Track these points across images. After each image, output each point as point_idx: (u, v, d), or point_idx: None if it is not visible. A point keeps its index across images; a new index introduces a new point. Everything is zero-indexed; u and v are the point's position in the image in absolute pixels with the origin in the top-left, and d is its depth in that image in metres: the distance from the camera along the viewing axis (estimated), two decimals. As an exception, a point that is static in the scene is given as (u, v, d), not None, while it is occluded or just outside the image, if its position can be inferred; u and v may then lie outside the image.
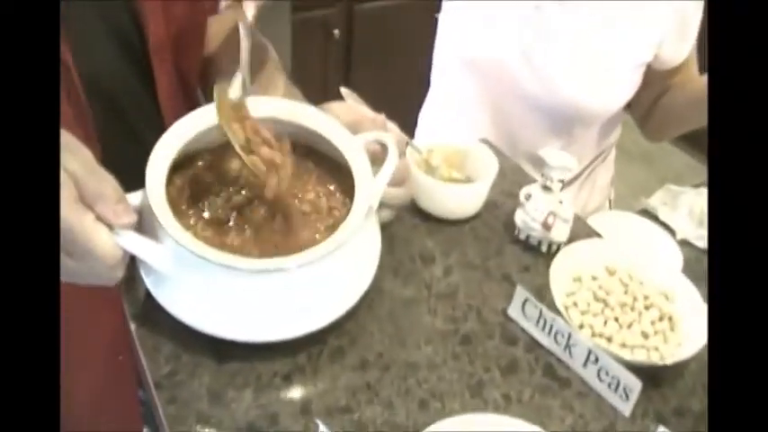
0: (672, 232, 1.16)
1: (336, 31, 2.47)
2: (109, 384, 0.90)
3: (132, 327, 0.65)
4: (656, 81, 1.09)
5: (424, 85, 1.30)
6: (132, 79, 0.80)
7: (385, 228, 0.72)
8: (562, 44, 1.02)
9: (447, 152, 0.88)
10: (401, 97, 1.39)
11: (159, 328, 0.64)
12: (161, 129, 0.80)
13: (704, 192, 1.27)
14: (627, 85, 1.06)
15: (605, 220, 1.12)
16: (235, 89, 0.69)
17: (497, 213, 0.85)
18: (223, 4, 0.69)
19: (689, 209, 1.20)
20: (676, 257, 1.06)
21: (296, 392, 0.61)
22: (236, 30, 0.72)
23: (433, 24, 1.19)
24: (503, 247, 0.80)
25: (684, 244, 1.14)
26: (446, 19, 1.14)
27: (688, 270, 1.02)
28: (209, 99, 0.93)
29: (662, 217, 1.19)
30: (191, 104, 0.87)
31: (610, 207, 1.26)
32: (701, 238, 1.14)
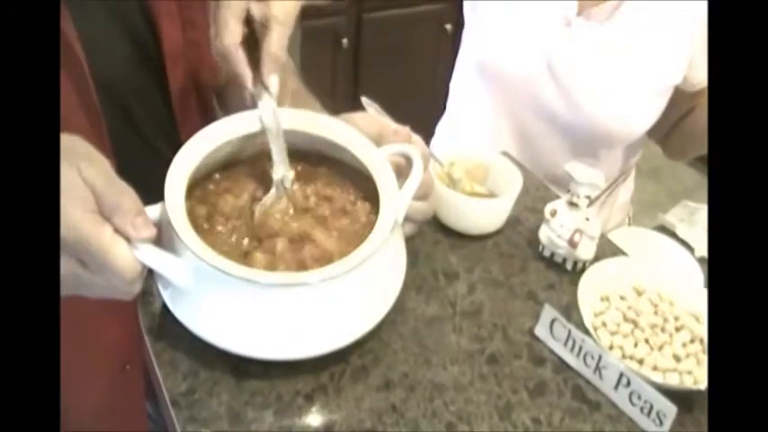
0: (690, 249, 1.14)
1: (345, 40, 2.45)
2: (115, 395, 0.88)
3: (148, 341, 0.63)
4: (682, 102, 1.06)
5: (432, 93, 1.28)
6: (146, 86, 0.78)
7: (407, 242, 0.70)
8: (589, 63, 1.00)
9: (469, 165, 0.86)
10: (410, 106, 1.37)
11: (176, 343, 0.62)
12: (175, 137, 0.79)
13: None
14: (653, 109, 1.04)
15: (624, 237, 1.10)
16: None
17: (521, 229, 0.83)
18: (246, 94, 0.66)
19: (696, 221, 1.19)
20: (696, 275, 1.04)
21: (318, 413, 0.59)
22: (252, 34, 0.69)
23: (442, 34, 1.17)
24: (527, 264, 0.78)
25: (704, 261, 1.12)
26: (470, 31, 1.12)
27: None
28: (223, 108, 0.92)
29: (680, 234, 1.17)
30: (205, 113, 0.86)
31: (629, 224, 1.24)
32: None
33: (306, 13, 2.02)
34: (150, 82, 0.77)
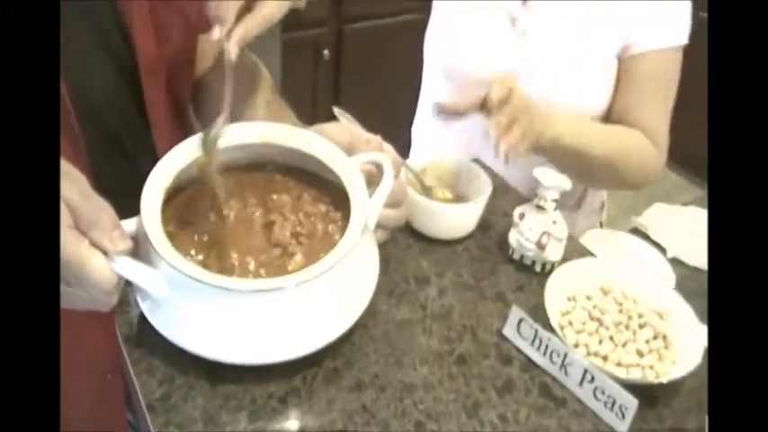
0: (662, 250, 1.17)
1: (326, 51, 2.48)
2: (98, 403, 0.89)
3: (125, 349, 0.65)
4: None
5: (414, 104, 1.31)
6: (124, 100, 0.80)
7: (379, 248, 0.72)
8: (539, 52, 1.04)
9: (440, 172, 0.89)
10: (391, 117, 1.40)
11: (152, 351, 0.64)
12: (152, 151, 0.81)
13: (694, 210, 1.28)
14: (601, 85, 1.05)
15: (597, 239, 1.12)
16: (217, 130, 0.68)
17: (490, 234, 0.86)
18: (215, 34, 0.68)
19: (679, 226, 1.21)
20: (668, 275, 1.07)
21: (292, 415, 0.61)
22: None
23: (422, 44, 1.20)
24: (497, 267, 0.81)
25: (675, 262, 1.15)
26: (431, 32, 1.16)
27: (680, 288, 1.03)
28: (201, 119, 0.94)
29: (653, 235, 1.20)
30: (183, 126, 0.88)
31: (601, 227, 1.27)
32: (691, 256, 1.15)
33: (287, 25, 2.05)
34: (127, 96, 0.79)
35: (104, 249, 0.55)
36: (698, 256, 1.16)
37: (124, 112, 0.80)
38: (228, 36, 0.66)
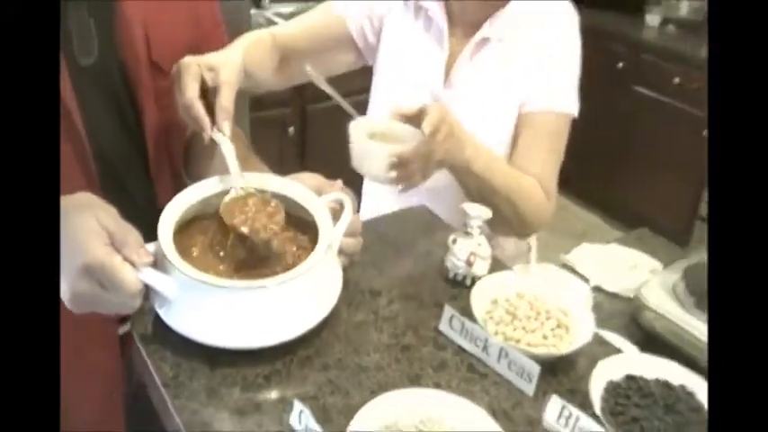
0: (586, 280, 1.39)
1: (291, 129, 2.74)
2: (103, 419, 1.06)
3: (141, 346, 0.84)
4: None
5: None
6: (130, 154, 1.01)
7: (343, 272, 0.93)
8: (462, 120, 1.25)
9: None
10: (348, 185, 1.63)
11: (163, 344, 0.84)
12: (152, 194, 1.02)
13: (614, 247, 1.52)
14: (505, 139, 1.27)
15: (527, 271, 1.35)
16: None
17: (431, 260, 1.08)
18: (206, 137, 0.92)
19: (601, 261, 1.45)
20: (588, 298, 1.29)
21: (274, 388, 0.81)
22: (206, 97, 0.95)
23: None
24: (435, 284, 1.02)
25: (597, 290, 1.38)
26: (371, 109, 1.40)
27: (599, 309, 1.27)
28: (190, 179, 1.15)
29: (579, 269, 1.43)
30: (176, 176, 1.08)
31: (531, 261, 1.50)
32: (610, 284, 1.38)
33: (254, 104, 2.31)
34: (133, 151, 1.00)
35: (132, 262, 0.76)
36: (615, 284, 1.40)
37: (131, 165, 1.01)
38: (213, 128, 0.90)
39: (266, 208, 0.89)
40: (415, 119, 1.03)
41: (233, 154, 0.92)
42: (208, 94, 0.93)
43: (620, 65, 3.53)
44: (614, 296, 1.37)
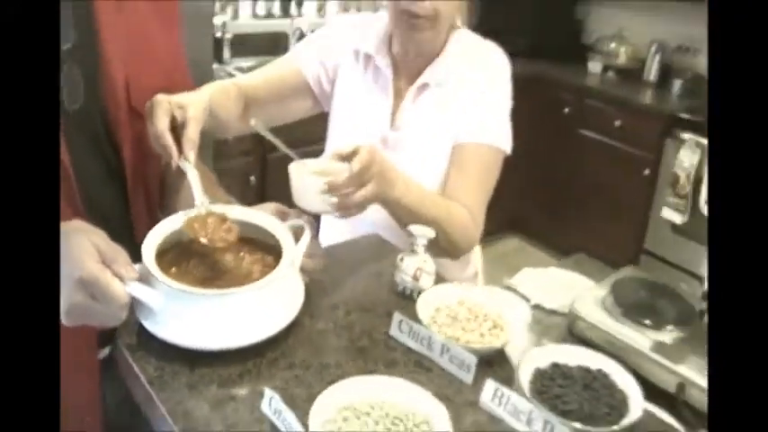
0: (527, 299, 1.55)
1: (252, 178, 2.89)
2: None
3: (127, 353, 0.97)
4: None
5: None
6: (112, 191, 1.15)
7: (306, 289, 1.08)
8: (401, 156, 1.39)
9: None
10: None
11: (147, 351, 0.97)
12: (130, 230, 1.15)
13: (553, 270, 1.69)
14: (441, 171, 1.43)
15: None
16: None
17: (382, 279, 1.23)
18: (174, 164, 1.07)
19: (540, 282, 1.61)
20: (527, 314, 1.45)
21: (247, 384, 0.94)
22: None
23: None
24: (387, 297, 1.17)
25: (537, 307, 1.54)
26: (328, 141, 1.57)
27: (539, 323, 1.43)
28: (162, 210, 1.29)
29: (520, 290, 1.59)
30: (152, 214, 1.22)
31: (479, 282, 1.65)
32: (548, 302, 1.54)
33: (217, 155, 2.48)
34: (113, 188, 1.14)
35: (121, 277, 0.89)
36: (553, 301, 1.55)
37: (110, 197, 1.14)
38: (180, 157, 1.06)
39: (223, 225, 1.04)
40: (349, 158, 1.15)
41: (197, 179, 1.07)
42: (177, 129, 1.08)
43: (566, 110, 3.78)
44: (552, 312, 1.53)
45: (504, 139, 1.44)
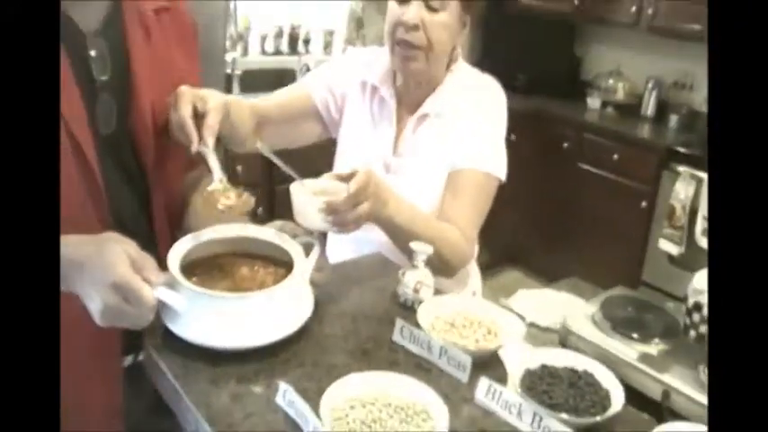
0: (523, 318, 1.66)
1: (260, 209, 3.01)
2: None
3: (154, 354, 1.08)
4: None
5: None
6: (140, 214, 1.27)
7: (316, 300, 1.19)
8: (402, 181, 1.52)
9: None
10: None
11: (172, 350, 1.07)
12: (154, 245, 1.27)
13: (547, 291, 1.80)
14: (438, 193, 1.54)
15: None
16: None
17: (386, 292, 1.34)
18: (193, 149, 1.19)
19: (534, 303, 1.72)
20: (522, 331, 1.55)
21: (261, 381, 1.04)
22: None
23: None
24: (389, 308, 1.28)
25: (532, 325, 1.65)
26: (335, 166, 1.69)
27: (534, 339, 1.55)
28: (180, 234, 1.40)
29: (516, 309, 1.70)
30: (173, 231, 1.34)
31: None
32: (541, 320, 1.65)
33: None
34: (143, 213, 1.26)
35: (150, 282, 1.00)
36: (547, 320, 1.67)
37: (139, 221, 1.26)
38: (200, 143, 1.18)
39: (240, 197, 1.17)
40: (347, 179, 1.26)
41: (216, 160, 1.19)
42: (197, 118, 1.20)
43: (566, 145, 3.91)
44: (546, 329, 1.64)
45: (498, 167, 1.56)
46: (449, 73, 1.62)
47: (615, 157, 3.67)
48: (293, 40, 3.91)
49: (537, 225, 4.07)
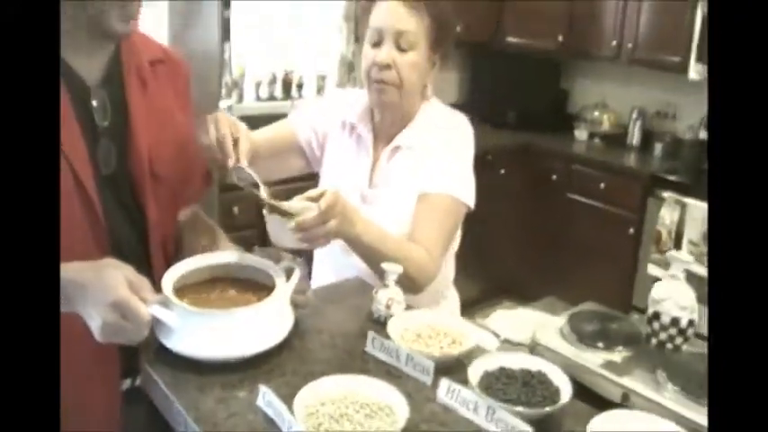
0: (497, 335, 1.79)
1: (256, 247, 3.16)
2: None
3: (148, 365, 1.22)
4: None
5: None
6: (138, 246, 1.41)
7: (297, 319, 1.33)
8: (377, 210, 1.67)
9: None
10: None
11: (164, 363, 1.21)
12: (151, 271, 1.41)
13: (521, 310, 1.93)
14: (408, 218, 1.67)
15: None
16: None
17: (362, 311, 1.48)
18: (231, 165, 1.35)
19: (511, 322, 1.85)
20: (494, 344, 1.68)
21: (244, 388, 1.18)
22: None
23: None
24: (364, 324, 1.42)
25: (506, 341, 1.78)
26: None
27: (505, 348, 1.67)
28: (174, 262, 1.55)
29: (491, 327, 1.83)
30: (168, 261, 1.49)
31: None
32: (514, 335, 1.78)
33: (224, 227, 2.75)
34: (140, 244, 1.41)
35: (145, 300, 1.15)
36: (521, 336, 1.79)
37: (137, 252, 1.41)
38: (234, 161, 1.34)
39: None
40: (317, 199, 1.40)
41: (255, 174, 1.37)
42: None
43: (555, 176, 4.07)
44: (519, 344, 1.76)
45: (465, 193, 1.70)
46: (421, 109, 1.78)
47: (602, 186, 3.82)
48: (287, 86, 4.11)
49: (529, 256, 4.20)
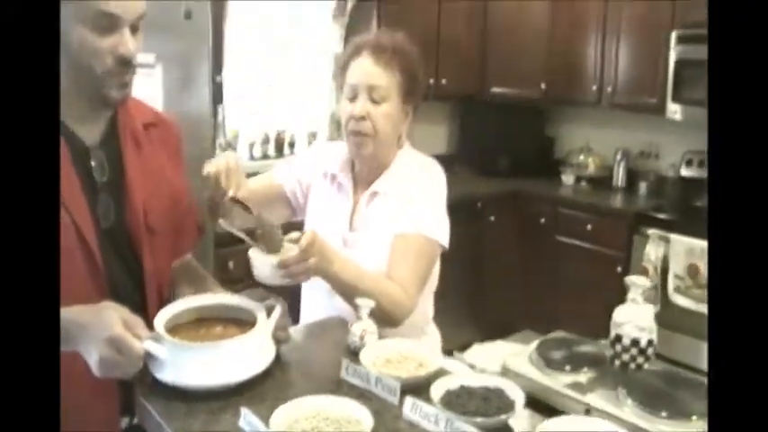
0: (473, 366, 1.93)
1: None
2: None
3: (142, 399, 1.36)
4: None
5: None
6: (134, 292, 1.57)
7: (279, 353, 1.47)
8: (357, 251, 1.83)
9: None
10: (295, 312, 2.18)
11: (156, 394, 1.36)
12: (146, 314, 1.56)
13: (499, 343, 2.07)
14: (385, 257, 1.82)
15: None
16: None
17: (340, 346, 1.62)
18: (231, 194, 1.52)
19: (488, 355, 1.99)
20: (462, 369, 1.82)
21: (228, 412, 1.32)
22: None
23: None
24: (341, 354, 1.56)
25: (482, 371, 1.91)
26: None
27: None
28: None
29: (467, 360, 1.97)
30: (162, 305, 1.64)
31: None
32: (492, 366, 1.91)
33: (218, 243, 2.99)
34: (136, 290, 1.56)
35: (139, 337, 1.30)
36: (496, 365, 1.93)
37: (131, 292, 1.56)
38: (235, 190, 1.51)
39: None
40: (297, 241, 1.58)
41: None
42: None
43: (543, 220, 4.22)
44: (494, 372, 1.90)
45: (438, 233, 1.85)
46: (396, 156, 1.95)
47: (589, 227, 3.98)
48: (279, 144, 4.31)
49: (521, 299, 4.33)
